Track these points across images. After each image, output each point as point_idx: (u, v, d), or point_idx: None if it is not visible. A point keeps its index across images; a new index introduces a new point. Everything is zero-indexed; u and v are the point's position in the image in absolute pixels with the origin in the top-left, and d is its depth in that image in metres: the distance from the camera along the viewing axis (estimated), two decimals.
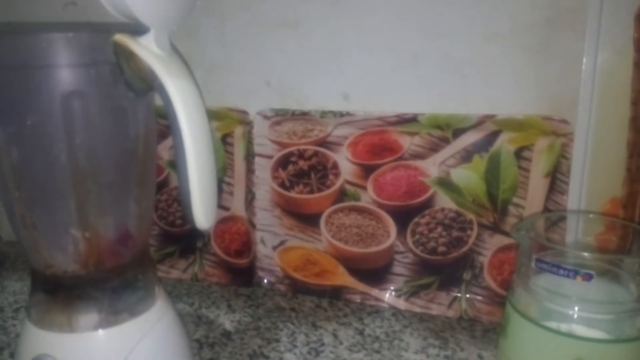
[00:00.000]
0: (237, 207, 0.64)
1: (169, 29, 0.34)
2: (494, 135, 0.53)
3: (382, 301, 0.59)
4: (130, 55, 0.33)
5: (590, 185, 0.49)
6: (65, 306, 0.37)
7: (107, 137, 0.34)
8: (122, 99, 0.34)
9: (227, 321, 0.57)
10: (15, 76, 0.31)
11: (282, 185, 0.61)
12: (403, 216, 0.58)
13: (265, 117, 0.60)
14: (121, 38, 0.32)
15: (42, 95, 0.31)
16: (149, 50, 0.33)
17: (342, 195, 0.59)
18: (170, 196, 0.66)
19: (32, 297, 0.38)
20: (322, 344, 0.53)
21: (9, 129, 0.32)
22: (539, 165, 0.52)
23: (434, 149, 0.55)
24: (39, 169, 0.33)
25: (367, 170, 0.58)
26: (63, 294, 0.37)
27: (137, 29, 0.33)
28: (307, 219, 0.61)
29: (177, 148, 0.34)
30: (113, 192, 0.36)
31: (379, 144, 0.57)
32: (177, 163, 0.34)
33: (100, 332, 0.37)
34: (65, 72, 0.31)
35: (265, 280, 0.64)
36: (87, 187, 0.34)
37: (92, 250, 0.36)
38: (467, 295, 0.57)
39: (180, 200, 0.35)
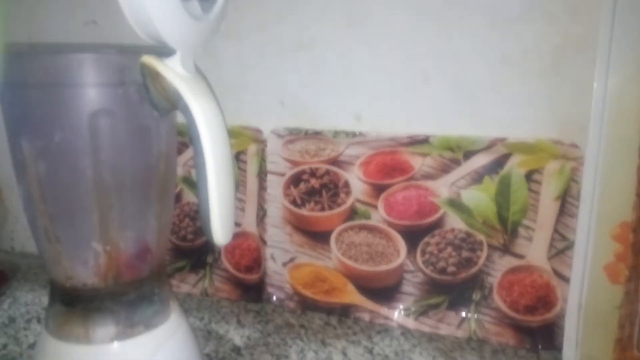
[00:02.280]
0: (248, 223, 0.64)
1: (194, 51, 0.35)
2: (505, 157, 0.54)
3: (391, 320, 0.60)
4: (156, 76, 0.34)
5: (600, 209, 0.50)
6: (83, 318, 0.37)
7: (131, 154, 0.35)
8: (146, 117, 0.35)
9: (236, 336, 0.58)
10: (45, 94, 0.32)
11: (293, 202, 0.62)
12: (413, 236, 0.58)
13: (279, 136, 0.61)
14: (149, 59, 0.34)
15: (70, 112, 0.32)
16: (174, 72, 0.34)
17: (352, 213, 0.60)
18: (182, 211, 0.67)
19: (50, 308, 0.39)
20: None
21: (37, 144, 0.33)
22: (549, 188, 0.53)
23: (444, 170, 0.56)
24: (64, 184, 0.34)
25: (378, 190, 0.59)
26: (81, 306, 0.37)
27: (163, 51, 0.34)
28: (317, 237, 0.62)
29: (199, 166, 0.35)
30: (134, 207, 0.36)
31: (390, 164, 0.58)
32: (197, 180, 0.35)
33: (117, 344, 0.38)
34: (94, 91, 0.33)
35: (275, 297, 0.64)
36: (109, 202, 0.35)
37: (112, 263, 0.37)
38: (476, 316, 0.57)
39: (199, 216, 0.36)
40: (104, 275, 0.37)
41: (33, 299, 0.66)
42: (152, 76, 0.34)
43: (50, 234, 0.35)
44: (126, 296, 0.38)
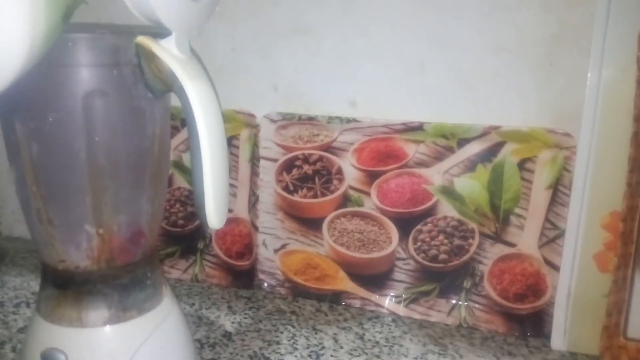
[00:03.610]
0: (240, 209, 0.64)
1: (190, 33, 0.35)
2: (498, 146, 0.54)
3: (382, 307, 0.60)
4: (151, 57, 0.33)
5: (591, 198, 0.50)
6: (76, 301, 0.37)
7: (125, 136, 0.35)
8: (141, 99, 0.35)
9: (227, 322, 0.58)
10: (39, 74, 0.32)
11: (285, 189, 0.62)
12: (405, 223, 0.58)
13: (272, 121, 0.61)
14: (144, 40, 0.33)
15: (64, 93, 0.32)
16: (170, 53, 0.33)
17: (345, 200, 0.60)
18: (172, 196, 0.67)
19: (42, 291, 0.39)
20: (323, 347, 0.53)
21: (30, 125, 0.33)
22: (542, 177, 0.53)
23: (438, 157, 0.56)
24: (57, 165, 0.34)
25: (371, 177, 0.59)
26: (74, 288, 0.37)
27: (158, 32, 0.34)
28: (309, 223, 0.62)
29: (193, 149, 0.34)
30: (128, 190, 0.36)
31: (384, 151, 0.58)
32: (192, 163, 0.35)
33: (109, 327, 0.37)
34: (88, 71, 0.32)
35: (266, 283, 0.64)
36: (103, 184, 0.34)
37: (105, 246, 0.36)
38: (467, 303, 0.57)
39: (194, 200, 0.36)
40: (97, 258, 0.36)
41: (21, 283, 0.65)
42: (147, 57, 0.33)
43: (43, 216, 0.35)
44: (119, 280, 0.38)
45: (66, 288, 0.37)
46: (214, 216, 0.36)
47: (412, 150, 0.57)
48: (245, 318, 0.59)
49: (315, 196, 0.61)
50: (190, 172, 0.35)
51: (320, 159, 0.60)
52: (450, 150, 0.56)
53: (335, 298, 0.62)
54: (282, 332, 0.56)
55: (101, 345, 0.37)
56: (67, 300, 0.37)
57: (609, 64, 0.49)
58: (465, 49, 0.55)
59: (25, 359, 0.39)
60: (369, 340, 0.55)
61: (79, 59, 0.32)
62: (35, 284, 0.65)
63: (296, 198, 0.61)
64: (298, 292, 0.63)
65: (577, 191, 0.51)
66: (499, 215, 0.55)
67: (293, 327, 0.57)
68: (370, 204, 0.59)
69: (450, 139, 0.56)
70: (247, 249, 0.65)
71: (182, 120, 0.64)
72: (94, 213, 0.35)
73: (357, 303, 0.61)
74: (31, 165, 0.33)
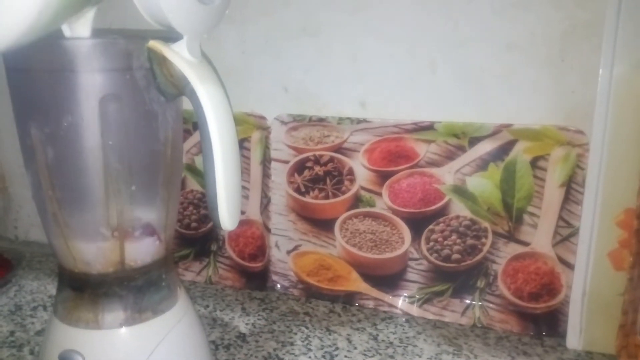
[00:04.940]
0: (253, 211, 0.65)
1: (201, 37, 0.35)
2: (510, 144, 0.54)
3: (396, 307, 0.60)
4: (163, 61, 0.34)
5: (605, 195, 0.50)
6: (92, 303, 0.37)
7: (139, 139, 0.35)
8: (153, 103, 0.35)
9: (241, 324, 0.58)
10: (53, 79, 0.32)
11: (297, 190, 0.62)
12: (418, 223, 0.58)
13: (283, 123, 0.61)
14: (155, 44, 0.33)
15: (78, 98, 0.32)
16: (181, 57, 0.34)
17: (357, 201, 0.60)
18: (186, 199, 0.67)
19: (59, 294, 0.39)
20: (337, 348, 0.53)
21: (45, 129, 0.33)
22: (555, 175, 0.53)
23: (449, 156, 0.56)
24: (72, 169, 0.34)
25: (382, 177, 0.59)
26: (90, 291, 0.38)
27: (169, 36, 0.34)
28: (321, 224, 0.62)
29: (206, 151, 0.35)
30: (142, 193, 0.36)
31: (395, 151, 0.58)
32: (204, 165, 0.35)
33: (125, 329, 0.38)
34: (101, 76, 0.33)
35: (279, 285, 0.65)
36: (117, 187, 0.35)
37: (120, 249, 0.37)
38: (481, 303, 0.57)
39: (207, 201, 0.36)
40: (112, 260, 0.37)
41: (38, 287, 0.66)
42: (158, 61, 0.34)
43: (59, 220, 0.35)
44: (134, 282, 0.38)
45: (82, 290, 0.38)
46: (227, 217, 0.37)
47: (423, 150, 0.57)
48: (259, 319, 0.59)
49: (326, 197, 0.61)
50: (203, 175, 0.36)
51: (331, 160, 0.60)
52: (462, 149, 0.56)
53: (348, 299, 0.62)
54: (295, 333, 0.56)
55: (117, 347, 0.38)
56: (83, 303, 0.37)
57: (621, 61, 0.48)
58: (476, 47, 0.54)
59: None
60: (383, 340, 0.55)
61: (92, 64, 0.32)
62: (51, 288, 0.66)
63: (308, 199, 0.62)
64: (311, 293, 0.63)
65: (591, 189, 0.50)
66: (511, 214, 0.55)
67: (307, 328, 0.57)
68: (382, 204, 0.59)
69: (462, 138, 0.56)
70: (260, 250, 0.65)
71: (194, 124, 0.64)
72: (109, 216, 0.35)
73: (370, 304, 0.61)
74: (46, 170, 0.34)
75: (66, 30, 0.34)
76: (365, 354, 0.52)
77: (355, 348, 0.54)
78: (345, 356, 0.52)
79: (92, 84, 0.32)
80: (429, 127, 0.56)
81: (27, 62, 0.33)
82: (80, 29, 0.33)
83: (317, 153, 0.60)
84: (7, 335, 0.55)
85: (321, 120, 0.60)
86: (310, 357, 0.52)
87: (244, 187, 0.64)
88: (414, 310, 0.59)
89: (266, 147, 0.62)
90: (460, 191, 0.56)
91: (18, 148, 0.36)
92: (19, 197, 0.80)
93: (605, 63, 0.49)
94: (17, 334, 0.56)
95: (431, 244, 0.58)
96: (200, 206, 0.67)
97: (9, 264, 0.69)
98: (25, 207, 0.80)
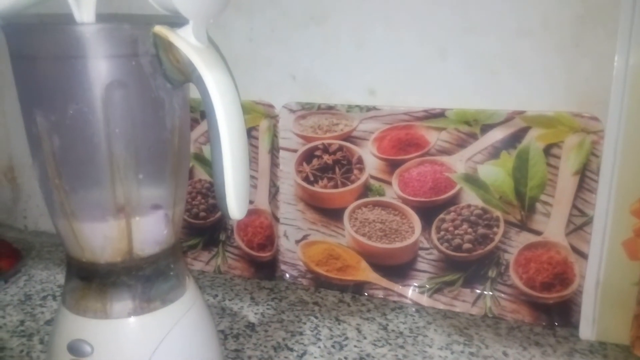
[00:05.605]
0: (261, 200, 0.64)
1: (207, 22, 0.34)
2: (523, 131, 0.53)
3: (406, 297, 0.59)
4: (169, 47, 0.33)
5: (620, 183, 0.49)
6: (100, 293, 0.37)
7: (145, 127, 0.35)
8: (160, 90, 0.34)
9: (250, 313, 0.58)
10: (58, 66, 0.32)
11: (306, 179, 0.61)
12: (428, 212, 0.58)
13: (291, 111, 0.61)
14: (161, 29, 0.33)
15: (84, 85, 0.32)
16: (187, 42, 0.33)
17: (366, 190, 0.59)
18: (194, 188, 0.67)
19: (67, 284, 0.39)
20: (346, 338, 0.53)
21: (51, 117, 0.33)
22: (568, 163, 0.52)
23: (461, 144, 0.55)
24: (78, 157, 0.34)
25: (392, 166, 0.58)
26: (98, 281, 0.37)
27: (175, 21, 0.34)
28: (330, 214, 0.62)
29: (213, 139, 0.34)
30: (149, 182, 0.36)
31: (405, 139, 0.57)
32: (212, 153, 0.35)
33: (134, 319, 0.38)
34: (107, 62, 0.32)
35: (288, 274, 0.64)
36: (124, 176, 0.34)
37: (128, 238, 0.36)
38: (492, 293, 0.57)
39: (215, 190, 0.36)
40: (120, 250, 0.37)
41: (48, 277, 0.66)
42: (164, 47, 0.33)
43: (66, 209, 0.35)
44: (142, 271, 0.38)
45: (90, 280, 0.37)
46: (235, 206, 0.36)
47: (434, 138, 0.56)
48: (268, 309, 0.59)
49: (335, 186, 0.60)
50: (211, 164, 0.35)
51: (340, 148, 0.59)
52: (473, 136, 0.55)
53: (358, 289, 0.61)
54: (304, 323, 0.56)
55: (126, 336, 0.37)
56: (91, 292, 0.37)
57: (637, 46, 0.47)
58: (487, 33, 0.53)
59: (52, 351, 0.39)
60: (393, 330, 0.54)
61: (97, 50, 0.31)
62: (61, 277, 0.66)
63: (316, 188, 0.61)
64: (320, 282, 0.63)
65: (605, 177, 0.49)
66: (524, 203, 0.54)
67: (316, 317, 0.57)
68: (392, 193, 0.58)
69: (473, 125, 0.55)
70: (269, 240, 0.65)
71: (201, 113, 0.64)
72: (116, 205, 0.35)
73: (379, 294, 0.61)
74: (53, 159, 0.34)
75: (77, 15, 0.33)
76: (375, 344, 0.52)
77: (365, 338, 0.53)
78: (355, 346, 0.52)
79: (97, 70, 0.32)
80: (440, 115, 0.55)
81: (31, 49, 0.32)
82: (84, 15, 0.33)
83: (326, 141, 0.60)
84: (17, 325, 0.55)
85: (330, 108, 0.59)
86: (319, 347, 0.52)
87: (252, 176, 0.64)
88: (424, 300, 0.59)
89: (274, 136, 0.62)
90: (471, 180, 0.55)
91: (25, 138, 0.35)
92: (28, 188, 0.81)
93: (621, 48, 0.47)
94: (26, 323, 0.56)
95: (442, 233, 0.57)
96: (208, 196, 0.67)
97: (18, 254, 0.70)
98: (34, 197, 0.80)
